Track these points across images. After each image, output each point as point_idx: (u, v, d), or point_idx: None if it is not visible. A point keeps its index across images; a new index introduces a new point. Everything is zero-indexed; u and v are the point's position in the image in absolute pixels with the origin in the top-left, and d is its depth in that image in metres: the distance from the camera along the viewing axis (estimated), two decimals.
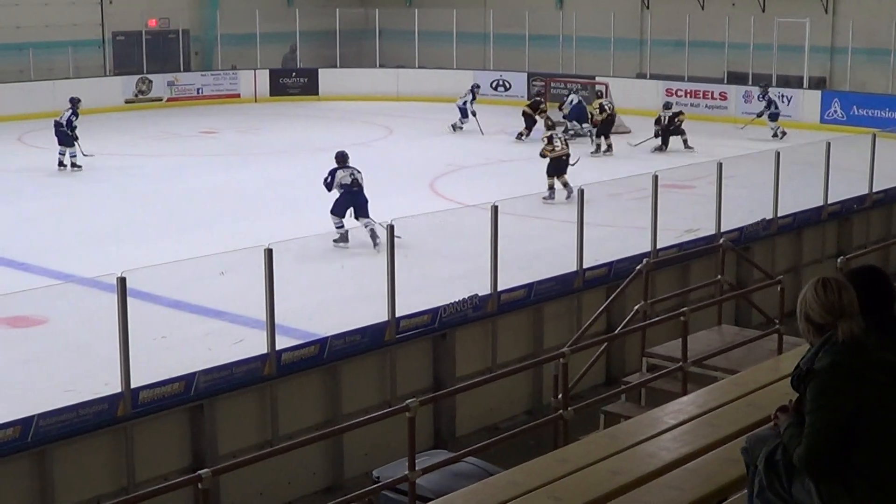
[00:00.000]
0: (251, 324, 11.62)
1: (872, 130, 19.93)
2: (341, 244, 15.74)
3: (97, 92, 30.36)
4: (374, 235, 15.48)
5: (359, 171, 16.15)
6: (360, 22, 35.96)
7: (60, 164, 22.24)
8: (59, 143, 22.27)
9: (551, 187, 18.98)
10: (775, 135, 26.31)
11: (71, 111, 22.48)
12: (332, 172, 16.13)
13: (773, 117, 26.70)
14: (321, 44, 35.10)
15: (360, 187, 16.04)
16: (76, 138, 22.23)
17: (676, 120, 25.05)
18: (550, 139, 19.47)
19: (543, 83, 29.65)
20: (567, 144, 19.81)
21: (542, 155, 19.37)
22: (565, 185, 18.84)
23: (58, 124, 22.33)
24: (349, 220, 15.97)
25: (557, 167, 19.13)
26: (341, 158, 16.26)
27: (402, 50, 34.97)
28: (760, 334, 11.52)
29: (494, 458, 8.94)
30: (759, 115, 26.83)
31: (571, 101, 27.11)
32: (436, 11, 34.22)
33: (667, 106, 25.96)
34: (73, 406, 9.46)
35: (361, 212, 15.96)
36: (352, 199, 15.97)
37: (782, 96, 28.68)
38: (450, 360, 12.13)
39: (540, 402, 12.53)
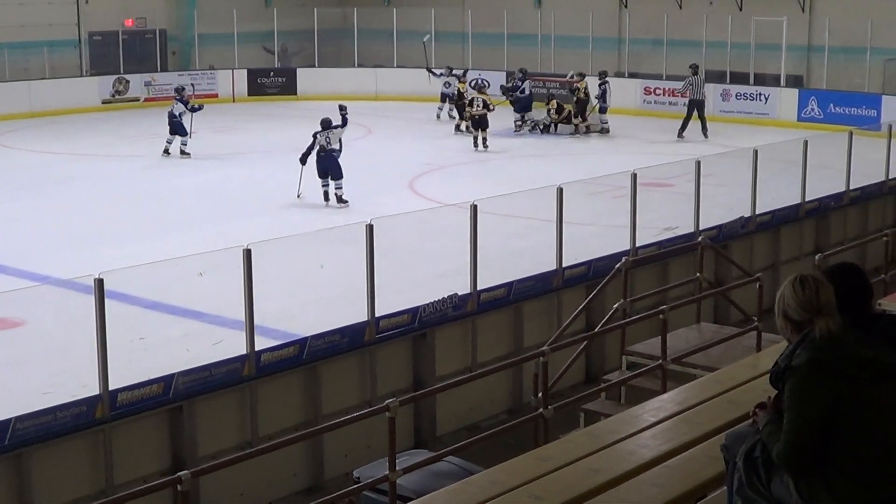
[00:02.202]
0: (230, 324, 11.58)
1: (849, 128, 20.02)
2: (328, 202, 18.57)
3: (73, 92, 30.29)
4: (326, 196, 18.56)
5: (333, 133, 18.57)
6: (339, 21, 35.91)
7: (165, 151, 23.43)
8: (171, 133, 23.46)
9: (476, 137, 24.52)
10: (601, 130, 26.79)
11: (179, 100, 23.58)
12: (314, 136, 18.71)
13: (603, 110, 26.95)
14: (299, 43, 35.05)
15: (328, 153, 18.51)
16: (195, 108, 23.60)
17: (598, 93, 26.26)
18: (471, 102, 24.95)
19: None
20: (486, 105, 24.59)
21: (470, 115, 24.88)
22: (484, 139, 24.47)
23: (171, 115, 23.48)
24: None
25: (478, 123, 24.53)
26: (323, 124, 18.83)
27: (381, 49, 34.94)
28: (739, 332, 11.57)
29: (475, 458, 8.93)
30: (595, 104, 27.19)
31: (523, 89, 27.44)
32: (414, 10, 34.21)
33: (580, 75, 27.01)
34: (51, 408, 9.39)
35: (332, 175, 18.58)
36: (321, 162, 18.59)
37: (760, 94, 28.81)
38: (430, 360, 12.11)
39: (520, 401, 12.53)
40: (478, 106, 24.59)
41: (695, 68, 26.64)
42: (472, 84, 27.41)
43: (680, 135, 25.94)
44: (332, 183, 18.58)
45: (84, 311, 9.93)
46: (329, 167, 18.57)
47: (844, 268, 4.66)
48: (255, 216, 17.85)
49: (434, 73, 30.07)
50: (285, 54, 34.75)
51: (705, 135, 25.79)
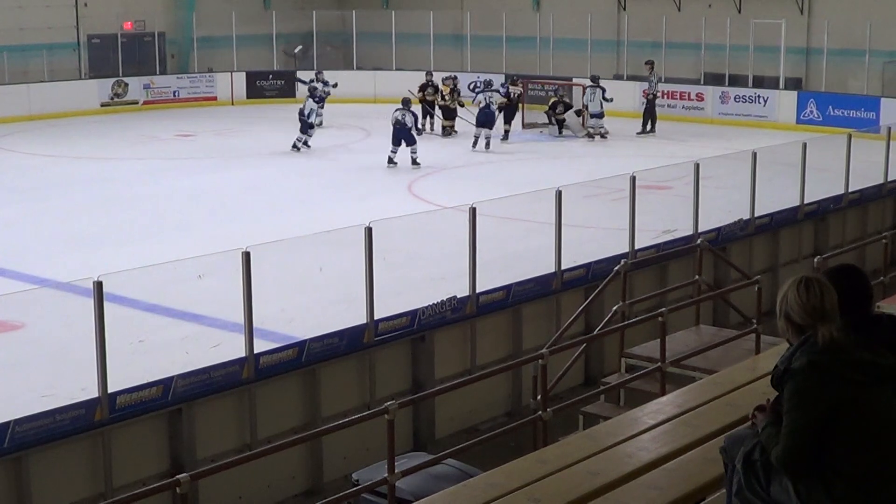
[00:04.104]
0: (229, 327, 11.58)
1: (848, 131, 20.03)
2: (389, 165, 22.39)
3: (72, 95, 30.28)
4: (413, 162, 22.29)
5: (410, 113, 22.51)
6: (337, 24, 35.91)
7: (294, 146, 24.36)
8: (300, 131, 24.46)
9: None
10: (590, 135, 26.70)
11: (311, 97, 24.71)
12: (401, 108, 22.62)
13: (596, 116, 26.85)
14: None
15: (402, 125, 22.32)
16: (328, 92, 25.23)
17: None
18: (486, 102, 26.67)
19: (521, 84, 29.68)
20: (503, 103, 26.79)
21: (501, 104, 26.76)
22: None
23: (301, 112, 24.49)
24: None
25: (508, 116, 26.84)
26: (404, 103, 22.80)
27: (380, 52, 34.97)
28: (738, 334, 11.56)
29: (474, 460, 8.94)
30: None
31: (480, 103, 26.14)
32: (413, 13, 34.22)
33: (513, 81, 28.42)
34: (50, 411, 9.38)
35: (408, 142, 22.38)
36: (397, 133, 22.35)
37: (759, 97, 28.82)
38: (429, 363, 12.11)
39: (519, 404, 12.53)
40: (500, 102, 26.51)
41: (652, 64, 28.05)
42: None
43: (654, 129, 27.42)
44: (408, 148, 22.15)
45: (83, 313, 9.92)
46: (402, 136, 22.24)
47: (845, 270, 4.65)
48: (253, 219, 17.85)
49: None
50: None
51: (654, 129, 27.36)
